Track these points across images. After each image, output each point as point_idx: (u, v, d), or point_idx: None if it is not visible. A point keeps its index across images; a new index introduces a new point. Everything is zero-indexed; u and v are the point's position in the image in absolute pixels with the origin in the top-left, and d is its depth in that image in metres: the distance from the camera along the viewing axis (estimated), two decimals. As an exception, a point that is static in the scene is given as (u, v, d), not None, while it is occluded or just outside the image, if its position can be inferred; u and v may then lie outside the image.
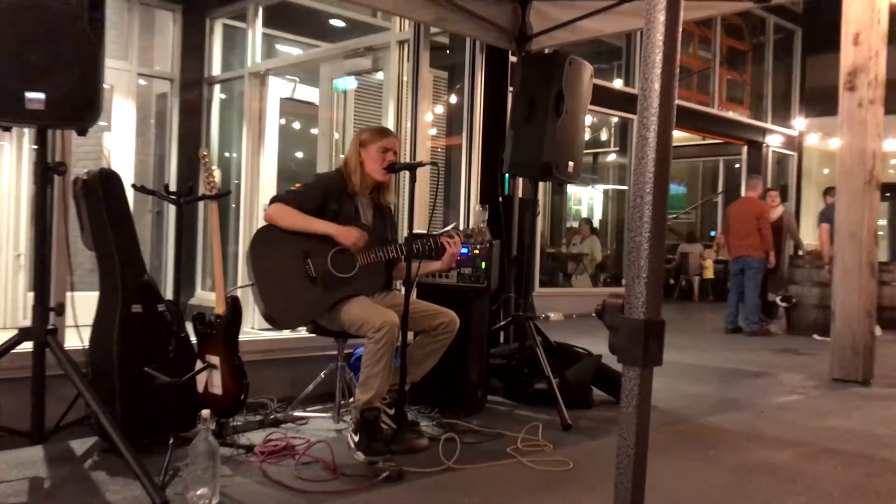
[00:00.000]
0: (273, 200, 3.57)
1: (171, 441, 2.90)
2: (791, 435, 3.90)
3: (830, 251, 8.84)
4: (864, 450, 3.63)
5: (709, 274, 14.20)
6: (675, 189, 16.98)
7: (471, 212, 5.22)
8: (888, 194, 12.61)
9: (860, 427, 4.14)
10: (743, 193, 10.85)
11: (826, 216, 8.81)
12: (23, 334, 2.89)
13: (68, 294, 3.18)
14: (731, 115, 13.93)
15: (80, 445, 3.20)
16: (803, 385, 5.49)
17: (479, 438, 3.58)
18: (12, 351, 2.90)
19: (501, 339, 5.06)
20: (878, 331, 8.21)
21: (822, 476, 3.17)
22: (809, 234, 12.93)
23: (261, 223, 3.56)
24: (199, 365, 3.26)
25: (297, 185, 3.92)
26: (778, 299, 9.17)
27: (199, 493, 2.45)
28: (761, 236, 8.75)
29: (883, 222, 14.02)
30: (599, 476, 3.05)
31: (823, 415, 4.45)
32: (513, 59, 5.24)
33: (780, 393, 5.17)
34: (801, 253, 10.08)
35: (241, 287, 3.60)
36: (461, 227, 3.73)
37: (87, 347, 3.21)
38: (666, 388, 5.02)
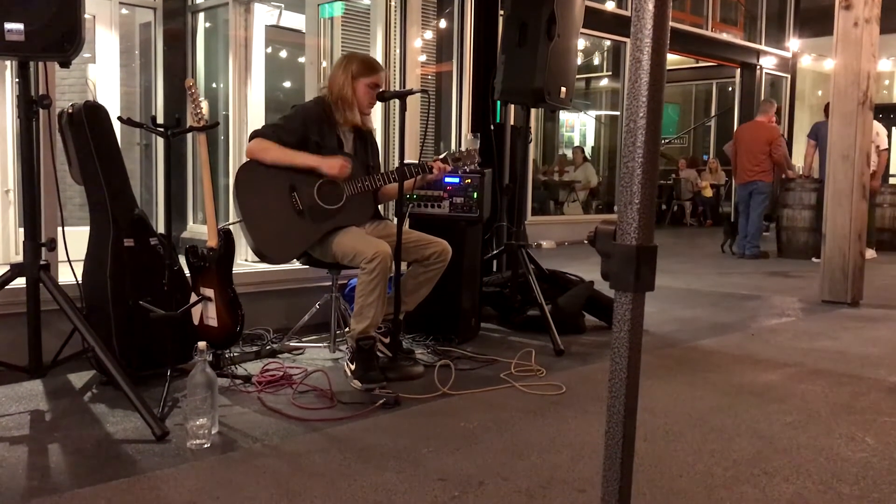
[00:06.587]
0: (253, 135, 3.51)
1: (168, 373, 2.94)
2: (780, 356, 3.97)
3: (809, 170, 8.85)
4: (851, 370, 3.70)
5: (708, 193, 14.19)
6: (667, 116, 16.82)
7: (462, 140, 5.17)
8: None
9: (848, 347, 4.21)
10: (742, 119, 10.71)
11: (814, 131, 8.71)
12: (15, 270, 2.88)
13: (59, 229, 3.16)
14: (724, 36, 13.71)
15: (78, 379, 3.24)
16: (793, 307, 5.55)
17: (474, 365, 3.63)
18: (6, 287, 2.90)
19: (494, 268, 5.08)
20: (872, 253, 8.26)
21: (810, 395, 3.24)
22: (802, 157, 12.91)
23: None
24: (193, 298, 3.27)
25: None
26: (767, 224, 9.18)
27: (198, 423, 2.48)
28: (774, 161, 8.53)
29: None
30: (592, 399, 3.11)
31: (812, 336, 4.51)
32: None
33: (771, 315, 5.23)
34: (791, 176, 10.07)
35: (230, 224, 3.59)
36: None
37: (80, 282, 3.22)
38: (658, 312, 5.08)
